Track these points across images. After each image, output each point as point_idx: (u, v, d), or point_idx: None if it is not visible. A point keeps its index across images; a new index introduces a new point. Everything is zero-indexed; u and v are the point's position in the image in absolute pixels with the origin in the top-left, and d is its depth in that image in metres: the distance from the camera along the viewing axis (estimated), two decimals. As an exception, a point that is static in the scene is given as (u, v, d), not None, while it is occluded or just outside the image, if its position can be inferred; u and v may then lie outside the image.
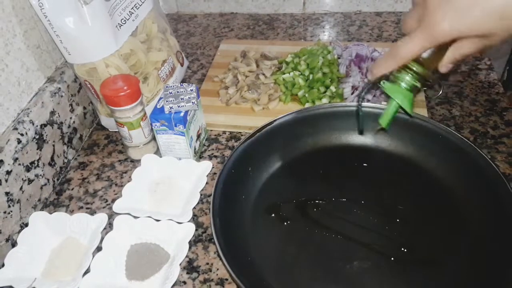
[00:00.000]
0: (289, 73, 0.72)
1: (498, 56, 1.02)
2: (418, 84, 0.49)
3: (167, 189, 0.59)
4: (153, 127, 0.60)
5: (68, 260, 0.52)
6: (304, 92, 0.70)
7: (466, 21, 0.39)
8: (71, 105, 0.66)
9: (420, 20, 0.42)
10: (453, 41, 0.42)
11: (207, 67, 0.83)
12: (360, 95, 0.56)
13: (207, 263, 0.52)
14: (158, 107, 0.60)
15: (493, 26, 0.39)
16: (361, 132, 0.61)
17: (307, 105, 0.69)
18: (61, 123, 0.64)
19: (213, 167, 0.62)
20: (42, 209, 0.60)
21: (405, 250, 0.50)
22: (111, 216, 0.56)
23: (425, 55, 0.46)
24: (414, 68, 0.48)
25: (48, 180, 0.61)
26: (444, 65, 0.46)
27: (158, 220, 0.54)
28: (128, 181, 0.59)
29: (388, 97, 0.52)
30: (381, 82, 0.50)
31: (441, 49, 0.44)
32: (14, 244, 0.54)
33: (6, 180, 0.53)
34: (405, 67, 0.48)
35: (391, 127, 0.59)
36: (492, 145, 0.62)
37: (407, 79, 0.49)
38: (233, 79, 0.75)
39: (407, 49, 0.44)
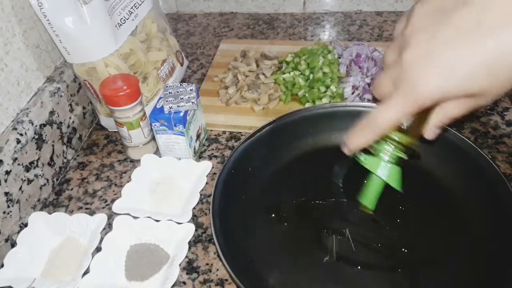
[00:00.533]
0: (289, 73, 0.72)
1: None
2: (403, 155, 0.41)
3: (167, 189, 0.59)
4: (152, 127, 0.60)
5: (67, 260, 0.52)
6: (304, 92, 0.70)
7: (452, 80, 0.32)
8: (70, 105, 0.66)
9: (396, 82, 0.35)
10: (435, 104, 0.36)
11: (207, 67, 0.83)
12: (339, 178, 0.50)
13: (207, 264, 0.52)
14: (157, 107, 0.60)
15: (482, 84, 0.32)
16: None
17: (307, 105, 0.69)
18: (61, 123, 0.64)
19: (213, 167, 0.61)
20: (41, 209, 0.60)
21: (405, 250, 0.50)
22: (111, 216, 0.56)
23: (408, 121, 0.39)
24: (396, 138, 0.40)
25: (47, 180, 0.61)
26: (430, 131, 0.40)
27: (157, 221, 0.54)
28: (128, 181, 0.59)
29: (368, 173, 0.44)
30: (360, 157, 0.43)
31: (425, 115, 0.39)
32: (13, 244, 0.54)
33: (6, 180, 0.53)
34: (386, 138, 0.41)
35: None
36: (493, 145, 0.62)
37: (389, 150, 0.41)
38: (233, 79, 0.75)
39: (385, 118, 0.37)
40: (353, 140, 0.41)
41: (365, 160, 0.43)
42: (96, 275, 0.49)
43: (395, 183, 0.43)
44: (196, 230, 0.54)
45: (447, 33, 0.32)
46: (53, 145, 0.62)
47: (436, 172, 0.57)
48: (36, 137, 0.58)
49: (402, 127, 0.40)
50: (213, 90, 0.75)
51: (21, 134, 0.56)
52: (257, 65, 0.77)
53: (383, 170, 0.42)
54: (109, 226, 0.56)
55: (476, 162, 0.53)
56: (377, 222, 0.53)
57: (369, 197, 0.45)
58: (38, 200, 0.59)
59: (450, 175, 0.56)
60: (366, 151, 0.42)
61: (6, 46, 0.56)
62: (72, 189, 0.62)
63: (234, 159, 0.56)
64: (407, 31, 0.34)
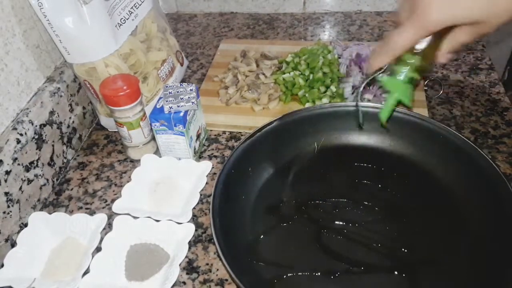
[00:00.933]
0: (289, 73, 0.72)
1: (499, 56, 1.02)
2: (416, 76, 0.48)
3: (167, 189, 0.59)
4: (152, 127, 0.60)
5: (67, 260, 0.52)
6: (304, 92, 0.70)
7: (455, 10, 0.39)
8: (70, 105, 0.66)
9: (411, 9, 0.42)
10: (447, 30, 0.42)
11: (207, 67, 0.83)
12: (358, 90, 0.55)
13: (207, 264, 0.52)
14: (157, 107, 0.60)
15: (482, 13, 0.39)
16: (360, 127, 0.60)
17: (307, 105, 0.69)
18: (61, 123, 0.64)
19: (213, 167, 0.61)
20: (41, 209, 0.60)
21: (405, 250, 0.50)
22: (111, 216, 0.56)
23: (421, 46, 0.45)
24: (412, 60, 0.47)
25: (47, 180, 0.61)
26: (442, 56, 0.46)
27: (157, 221, 0.54)
28: (128, 181, 0.59)
29: (386, 92, 0.52)
30: (378, 76, 0.50)
31: (438, 39, 0.44)
32: (13, 245, 0.54)
33: (6, 180, 0.53)
34: (401, 59, 0.48)
35: (393, 127, 0.58)
36: (493, 145, 0.62)
37: (404, 71, 0.48)
38: (233, 79, 0.75)
39: (399, 41, 0.43)
40: (375, 61, 0.47)
41: (383, 79, 0.50)
42: (96, 275, 0.49)
43: (406, 100, 0.50)
44: (196, 230, 0.54)
45: None
46: (53, 145, 0.62)
47: (436, 172, 0.57)
48: (36, 137, 0.58)
49: (417, 50, 0.46)
50: (213, 90, 0.75)
51: (21, 134, 0.56)
52: (257, 65, 0.77)
53: (397, 88, 0.49)
54: (109, 226, 0.56)
55: (476, 162, 0.53)
56: (377, 222, 0.53)
57: (384, 113, 0.52)
58: (38, 200, 0.59)
59: (450, 175, 0.56)
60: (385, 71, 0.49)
61: (6, 46, 0.56)
62: (72, 189, 0.62)
63: (234, 159, 0.56)
64: None
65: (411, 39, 0.43)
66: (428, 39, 0.44)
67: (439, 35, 0.44)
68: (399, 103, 0.51)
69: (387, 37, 0.45)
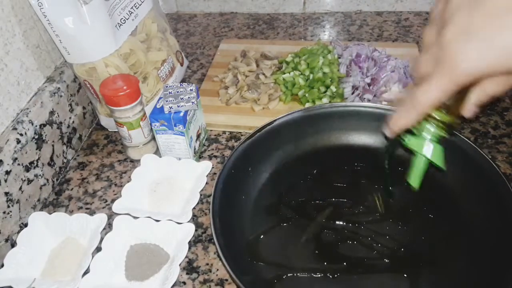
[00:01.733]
0: (289, 73, 0.72)
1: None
2: (445, 134, 0.43)
3: (167, 189, 0.59)
4: (152, 127, 0.60)
5: (67, 260, 0.52)
6: (304, 92, 0.70)
7: (492, 54, 0.33)
8: (70, 105, 0.66)
9: (437, 61, 0.36)
10: (475, 82, 0.37)
11: (207, 66, 0.83)
12: (385, 160, 0.50)
13: (207, 264, 0.52)
14: (157, 107, 0.60)
15: None
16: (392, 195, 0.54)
17: (307, 105, 0.69)
18: (61, 123, 0.64)
19: (213, 167, 0.61)
20: (41, 209, 0.60)
21: (405, 250, 0.50)
22: (111, 216, 0.56)
23: (447, 101, 0.40)
24: (437, 117, 0.42)
25: (47, 180, 0.61)
26: (469, 110, 0.41)
27: (157, 221, 0.54)
28: (128, 181, 0.59)
29: (412, 153, 0.46)
30: (403, 138, 0.44)
31: (464, 93, 0.40)
32: (13, 245, 0.54)
33: (6, 180, 0.53)
34: (427, 118, 0.42)
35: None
36: (493, 145, 0.62)
37: (432, 130, 0.43)
38: (233, 79, 0.75)
39: (427, 98, 0.37)
40: (397, 121, 0.42)
41: (409, 141, 0.44)
42: (96, 275, 0.49)
43: (439, 161, 0.45)
44: (196, 230, 0.54)
45: (488, 10, 0.32)
46: (53, 145, 0.62)
47: (436, 172, 0.57)
48: (36, 137, 0.58)
49: (442, 106, 0.41)
50: (213, 90, 0.75)
51: (21, 134, 0.56)
52: (257, 65, 0.77)
53: (428, 149, 0.44)
54: (109, 226, 0.56)
55: (476, 162, 0.53)
56: (377, 222, 0.53)
57: (416, 179, 0.47)
58: (38, 200, 0.59)
59: (450, 175, 0.56)
60: (408, 132, 0.44)
61: (6, 46, 0.56)
62: (72, 189, 0.62)
63: (234, 159, 0.56)
64: (447, 10, 0.35)
65: (441, 94, 0.37)
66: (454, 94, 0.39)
67: (465, 87, 0.38)
68: (429, 165, 0.46)
69: (413, 94, 0.39)
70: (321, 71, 0.71)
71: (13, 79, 0.57)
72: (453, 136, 0.47)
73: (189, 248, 0.52)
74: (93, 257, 0.50)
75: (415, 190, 0.48)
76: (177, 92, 0.60)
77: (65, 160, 0.65)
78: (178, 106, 0.58)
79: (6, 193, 0.53)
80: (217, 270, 0.51)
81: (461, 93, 0.39)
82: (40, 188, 0.60)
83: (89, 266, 0.49)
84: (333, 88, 0.69)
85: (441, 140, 0.44)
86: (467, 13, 0.33)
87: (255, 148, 0.58)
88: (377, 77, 0.69)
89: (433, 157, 0.44)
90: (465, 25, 0.33)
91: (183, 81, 0.80)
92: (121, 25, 0.62)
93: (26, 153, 0.56)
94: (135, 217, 0.54)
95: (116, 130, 0.64)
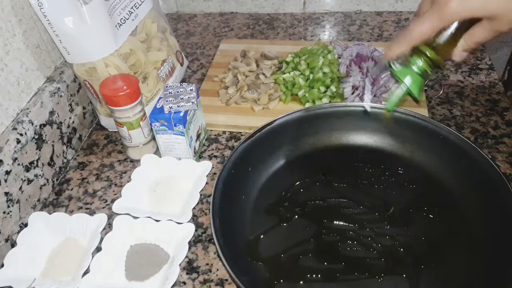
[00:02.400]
0: (289, 73, 0.72)
1: (499, 56, 1.02)
2: (430, 70, 0.49)
3: (167, 189, 0.59)
4: (152, 127, 0.60)
5: (67, 260, 0.52)
6: (304, 92, 0.70)
7: (476, 0, 0.41)
8: (70, 105, 0.66)
9: (432, 2, 0.44)
10: (465, 28, 0.44)
11: (207, 66, 0.83)
12: (374, 71, 0.55)
13: (207, 264, 0.52)
14: (157, 107, 0.60)
15: (499, 6, 0.40)
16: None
17: (307, 105, 0.69)
18: (61, 123, 0.64)
19: (213, 167, 0.61)
20: (41, 209, 0.60)
21: (405, 250, 0.49)
22: (111, 216, 0.56)
23: (439, 41, 0.46)
24: (427, 53, 0.47)
25: (47, 180, 0.61)
26: (458, 53, 0.47)
27: (157, 221, 0.54)
28: (128, 181, 0.59)
29: (397, 82, 0.52)
30: (393, 65, 0.50)
31: (455, 37, 0.45)
32: (13, 244, 0.54)
33: (6, 180, 0.53)
34: (418, 52, 0.48)
35: (393, 127, 0.58)
36: (493, 145, 0.62)
37: (419, 63, 0.48)
38: (233, 79, 0.75)
39: (418, 29, 0.45)
40: (392, 48, 0.48)
41: (396, 67, 0.50)
42: (96, 275, 0.49)
43: (416, 91, 0.50)
44: (196, 230, 0.54)
45: None
46: (53, 145, 0.62)
47: (436, 172, 0.57)
48: (36, 137, 0.58)
49: (434, 45, 0.46)
50: (213, 90, 0.75)
51: (21, 134, 0.56)
52: (257, 65, 0.77)
53: (409, 78, 0.49)
54: (109, 226, 0.56)
55: (476, 162, 0.53)
56: (377, 222, 0.53)
57: (392, 101, 0.52)
58: (38, 200, 0.59)
59: (450, 175, 0.56)
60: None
61: (6, 46, 0.56)
62: (72, 189, 0.62)
63: (234, 159, 0.56)
64: None
65: (430, 28, 0.44)
66: (447, 34, 0.45)
67: (457, 33, 0.45)
68: (407, 94, 0.51)
69: (407, 26, 0.46)
70: (321, 71, 0.71)
71: (13, 79, 0.57)
72: (438, 71, 0.53)
73: (189, 248, 0.52)
74: (93, 257, 0.50)
75: (388, 113, 0.55)
76: (177, 92, 0.60)
77: (65, 160, 0.65)
78: (178, 106, 0.58)
79: (6, 193, 0.53)
80: (217, 270, 0.51)
81: (453, 39, 0.46)
82: (40, 188, 0.60)
83: (89, 266, 0.49)
84: (333, 88, 0.69)
85: (425, 74, 0.49)
86: None
87: (255, 148, 0.58)
88: (377, 77, 0.69)
89: (412, 86, 0.49)
90: None
91: (183, 81, 0.80)
92: (121, 25, 0.62)
93: (26, 153, 0.56)
94: (135, 217, 0.54)
95: (116, 130, 0.64)
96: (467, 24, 0.44)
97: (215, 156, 0.65)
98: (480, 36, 0.44)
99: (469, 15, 0.42)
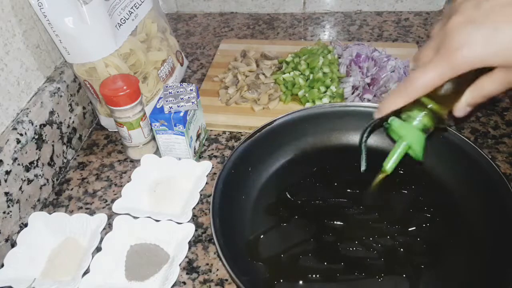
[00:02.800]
0: (289, 73, 0.72)
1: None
2: (431, 125, 0.42)
3: (167, 189, 0.59)
4: (152, 127, 0.60)
5: (67, 260, 0.52)
6: (304, 92, 0.70)
7: (493, 45, 0.33)
8: (70, 105, 0.66)
9: (438, 47, 0.36)
10: (472, 79, 0.38)
11: (207, 66, 0.83)
12: (364, 134, 0.48)
13: (207, 264, 0.52)
14: (157, 107, 0.60)
15: None
16: (365, 169, 0.50)
17: (307, 105, 0.69)
18: (61, 123, 0.64)
19: (213, 167, 0.61)
20: (41, 209, 0.60)
21: (405, 250, 0.49)
22: (111, 216, 0.56)
23: (441, 92, 0.40)
24: (430, 105, 0.41)
25: (47, 180, 0.61)
26: (461, 108, 0.40)
27: (157, 221, 0.54)
28: (128, 181, 0.59)
29: (393, 141, 0.46)
30: (389, 120, 0.43)
31: (460, 88, 0.40)
32: (13, 244, 0.54)
33: (6, 180, 0.53)
34: (418, 105, 0.42)
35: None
36: (493, 145, 0.62)
37: (420, 118, 0.42)
38: (233, 79, 0.75)
39: (422, 80, 0.37)
40: (389, 101, 0.41)
41: (394, 123, 0.43)
42: (96, 275, 0.49)
43: (419, 150, 0.44)
44: (196, 230, 0.54)
45: (496, 2, 0.33)
46: (53, 145, 0.62)
47: (436, 172, 0.57)
48: (36, 137, 0.58)
49: (436, 99, 0.41)
50: (213, 90, 0.75)
51: (21, 134, 0.56)
52: (257, 65, 0.77)
53: (410, 134, 0.43)
54: (109, 226, 0.56)
55: (476, 162, 0.53)
56: (377, 222, 0.52)
57: (391, 162, 0.46)
58: (38, 200, 0.59)
59: (450, 175, 0.56)
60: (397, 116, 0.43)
61: (6, 46, 0.56)
62: (72, 189, 0.62)
63: (234, 159, 0.56)
64: (456, 2, 0.35)
65: (437, 78, 0.37)
66: (452, 85, 0.39)
67: (463, 84, 0.39)
68: (407, 153, 0.45)
69: (409, 76, 0.39)
70: (321, 71, 0.71)
71: (13, 79, 0.57)
72: (441, 132, 0.46)
73: (189, 248, 0.52)
74: (93, 257, 0.50)
75: (386, 173, 0.47)
76: (177, 92, 0.60)
77: (65, 160, 0.65)
78: (178, 106, 0.58)
79: (6, 193, 0.53)
80: (217, 270, 0.51)
81: (458, 90, 0.39)
82: (40, 188, 0.60)
83: (89, 266, 0.49)
84: (333, 88, 0.69)
85: (427, 130, 0.43)
86: (475, 3, 0.34)
87: (255, 148, 0.58)
88: (377, 77, 0.69)
89: (413, 143, 0.44)
90: (472, 14, 0.34)
91: (183, 81, 0.80)
92: (121, 25, 0.62)
93: (26, 153, 0.56)
94: (135, 217, 0.54)
95: (116, 130, 0.64)
96: (474, 73, 0.37)
97: (215, 156, 0.65)
98: (490, 88, 0.37)
99: (484, 64, 0.35)
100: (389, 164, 0.46)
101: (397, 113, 0.43)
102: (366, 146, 0.48)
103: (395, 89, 0.41)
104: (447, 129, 0.51)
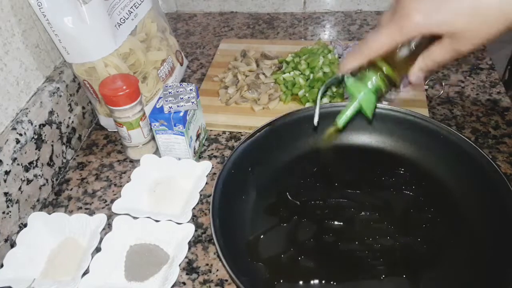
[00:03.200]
0: (290, 73, 0.72)
1: (500, 55, 1.02)
2: (384, 88, 0.45)
3: (167, 190, 0.59)
4: (152, 127, 0.60)
5: (67, 260, 0.52)
6: (305, 92, 0.70)
7: (438, 15, 0.37)
8: (70, 105, 0.66)
9: (393, 14, 0.40)
10: (425, 46, 0.41)
11: (206, 66, 0.83)
12: (321, 89, 0.50)
13: (207, 264, 0.52)
14: (157, 107, 0.60)
15: (464, 24, 0.37)
16: (316, 126, 0.51)
17: (307, 105, 0.69)
18: (60, 123, 0.64)
19: (213, 167, 0.61)
20: (41, 210, 0.59)
21: (405, 251, 0.49)
22: (110, 216, 0.56)
23: (396, 57, 0.42)
24: (384, 68, 0.44)
25: (47, 180, 0.61)
26: (414, 73, 0.43)
27: (157, 221, 0.54)
28: (127, 181, 0.59)
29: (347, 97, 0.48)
30: (348, 79, 0.46)
31: (414, 55, 0.42)
32: (13, 245, 0.53)
33: (5, 180, 0.52)
34: (374, 67, 0.44)
35: (394, 127, 0.57)
36: (493, 145, 0.62)
37: (374, 78, 0.45)
38: (233, 78, 0.75)
39: (376, 41, 0.41)
40: (347, 61, 0.45)
41: (349, 80, 0.46)
42: (96, 275, 0.49)
43: (368, 109, 0.46)
44: (196, 230, 0.54)
45: None
46: (52, 145, 0.62)
47: (436, 172, 0.57)
48: (36, 137, 0.58)
49: (391, 63, 0.43)
50: (213, 90, 0.75)
51: (21, 134, 0.56)
52: (257, 65, 0.77)
53: (361, 93, 0.46)
54: (108, 226, 0.55)
55: (477, 162, 0.53)
56: (377, 223, 0.52)
57: (342, 118, 0.48)
58: (38, 200, 0.59)
59: (450, 175, 0.56)
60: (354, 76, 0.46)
61: (5, 46, 0.56)
62: (71, 189, 0.62)
63: (234, 159, 0.56)
64: None
65: (388, 42, 0.41)
66: (406, 50, 0.42)
67: (417, 50, 0.41)
68: (359, 112, 0.47)
69: (364, 37, 0.43)
70: (321, 70, 0.71)
71: (13, 79, 0.57)
72: (392, 89, 0.48)
73: (189, 248, 0.52)
74: (92, 257, 0.50)
75: (334, 131, 0.51)
76: (177, 92, 0.60)
77: (64, 160, 0.65)
78: (178, 106, 0.58)
79: (6, 193, 0.53)
80: (217, 270, 0.51)
81: (411, 57, 0.42)
82: (40, 188, 0.59)
83: (88, 266, 0.49)
84: (333, 88, 0.69)
85: (379, 92, 0.45)
86: None
87: (255, 148, 0.58)
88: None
89: (364, 102, 0.46)
90: None
91: (183, 81, 0.80)
92: (120, 24, 0.62)
93: (25, 153, 0.56)
94: (134, 217, 0.54)
95: (116, 130, 0.64)
96: (427, 42, 0.41)
97: (215, 156, 0.65)
98: (438, 55, 0.40)
99: (431, 31, 0.39)
100: (341, 119, 0.48)
101: (355, 73, 0.46)
102: (321, 101, 0.52)
103: (353, 50, 0.45)
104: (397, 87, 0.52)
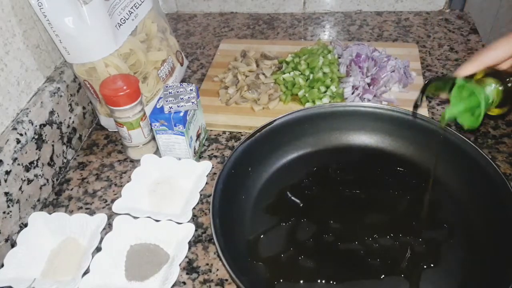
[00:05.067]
0: (289, 73, 0.72)
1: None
2: (496, 101, 0.45)
3: (167, 189, 0.59)
4: (152, 127, 0.60)
5: (67, 260, 0.52)
6: (305, 92, 0.70)
7: None
8: (70, 105, 0.66)
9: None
10: None
11: (207, 66, 0.83)
12: (428, 85, 0.49)
13: (207, 264, 0.52)
14: (157, 107, 0.60)
15: None
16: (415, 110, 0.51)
17: (307, 105, 0.69)
18: (61, 123, 0.64)
19: (213, 167, 0.61)
20: (41, 209, 0.60)
21: (405, 250, 0.49)
22: (111, 216, 0.56)
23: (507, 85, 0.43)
24: (503, 87, 0.44)
25: (47, 180, 0.61)
26: None
27: (157, 221, 0.54)
28: (128, 181, 0.59)
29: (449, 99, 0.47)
30: (457, 79, 0.46)
31: None
32: (13, 245, 0.54)
33: (6, 180, 0.52)
34: (494, 79, 0.45)
35: (393, 127, 0.57)
36: (493, 145, 0.62)
37: (491, 87, 0.45)
38: (233, 79, 0.75)
39: (495, 49, 0.44)
40: (462, 68, 0.46)
41: (467, 83, 0.45)
42: (96, 275, 0.49)
43: (474, 111, 0.45)
44: (196, 230, 0.54)
45: None
46: (53, 145, 0.62)
47: (436, 172, 0.57)
48: (36, 137, 0.58)
49: (503, 86, 0.44)
50: (213, 90, 0.75)
51: (21, 134, 0.56)
52: (257, 65, 0.77)
53: (485, 95, 0.44)
54: (109, 226, 0.56)
55: (477, 162, 0.53)
56: (377, 223, 0.52)
57: (453, 112, 0.47)
58: (38, 200, 0.59)
59: (450, 175, 0.56)
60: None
61: (6, 46, 0.56)
62: (72, 189, 0.62)
63: (234, 159, 0.56)
64: None
65: (501, 52, 0.43)
66: None
67: None
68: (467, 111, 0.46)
69: (484, 47, 0.45)
70: (321, 71, 0.71)
71: (13, 79, 0.57)
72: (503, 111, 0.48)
73: (189, 248, 0.52)
74: (93, 257, 0.50)
75: (441, 124, 0.50)
76: (177, 92, 0.60)
77: (65, 160, 0.65)
78: (178, 106, 0.58)
79: (6, 193, 0.53)
80: (217, 270, 0.51)
81: None
82: (40, 188, 0.60)
83: (89, 266, 0.49)
84: (333, 88, 0.69)
85: (488, 103, 0.45)
86: None
87: (255, 148, 0.58)
88: (377, 77, 0.69)
89: (484, 104, 0.44)
90: None
91: (183, 81, 0.80)
92: (121, 25, 0.62)
93: (26, 153, 0.56)
94: (135, 217, 0.54)
95: (116, 130, 0.64)
96: None
97: (215, 156, 0.65)
98: None
99: None
100: (468, 120, 0.46)
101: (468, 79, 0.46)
102: (425, 95, 0.49)
103: (469, 59, 0.46)
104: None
